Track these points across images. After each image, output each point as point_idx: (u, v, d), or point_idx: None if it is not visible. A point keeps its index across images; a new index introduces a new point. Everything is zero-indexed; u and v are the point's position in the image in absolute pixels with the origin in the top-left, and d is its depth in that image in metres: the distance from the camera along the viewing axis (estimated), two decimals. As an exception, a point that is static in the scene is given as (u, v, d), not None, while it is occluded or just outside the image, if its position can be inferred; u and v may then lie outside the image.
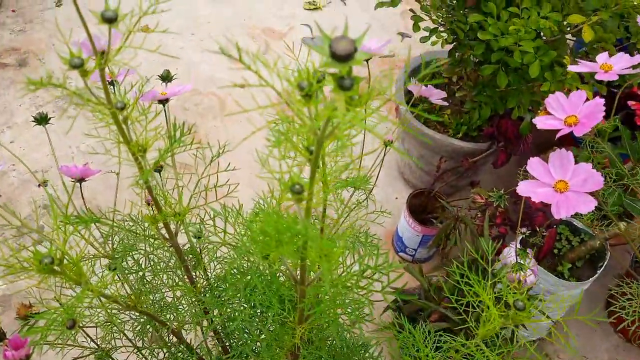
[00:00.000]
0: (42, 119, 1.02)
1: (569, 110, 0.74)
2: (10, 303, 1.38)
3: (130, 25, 0.49)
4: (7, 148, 1.68)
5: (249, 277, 0.57)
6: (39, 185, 1.62)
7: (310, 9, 2.12)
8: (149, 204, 0.99)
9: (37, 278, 0.57)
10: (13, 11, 2.05)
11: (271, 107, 0.47)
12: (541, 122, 0.74)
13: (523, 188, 0.71)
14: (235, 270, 0.63)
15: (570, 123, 0.73)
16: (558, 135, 0.72)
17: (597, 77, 0.74)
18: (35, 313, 0.63)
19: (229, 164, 0.71)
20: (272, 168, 0.50)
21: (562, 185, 0.69)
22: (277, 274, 0.59)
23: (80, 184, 0.93)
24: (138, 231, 0.65)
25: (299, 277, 0.59)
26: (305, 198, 0.45)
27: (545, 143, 1.47)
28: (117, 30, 0.47)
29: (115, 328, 0.71)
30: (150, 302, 0.70)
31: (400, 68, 1.92)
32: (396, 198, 1.63)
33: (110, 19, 0.45)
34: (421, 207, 1.40)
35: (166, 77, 0.90)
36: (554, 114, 0.74)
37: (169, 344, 0.77)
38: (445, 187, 1.43)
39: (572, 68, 0.77)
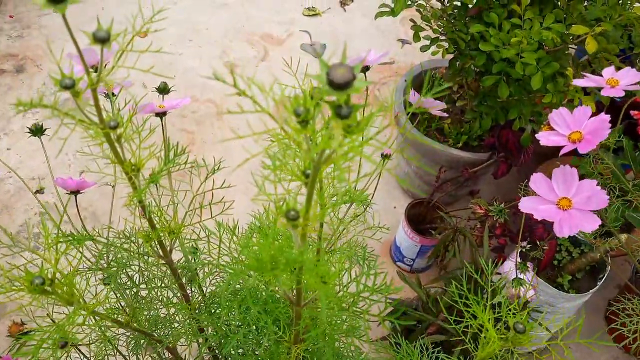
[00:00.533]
0: (37, 130, 1.01)
1: (573, 126, 0.72)
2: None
3: (123, 44, 0.48)
4: (0, 158, 1.67)
5: (242, 297, 0.56)
6: (35, 193, 1.60)
7: (310, 15, 2.11)
8: (145, 217, 0.98)
9: (28, 298, 0.56)
10: (11, 17, 2.04)
11: (266, 132, 0.46)
12: (544, 138, 0.73)
13: (525, 204, 0.69)
14: (229, 294, 0.62)
15: (574, 139, 0.71)
16: (562, 153, 0.71)
17: (603, 92, 0.73)
18: (27, 332, 0.62)
19: (224, 181, 0.70)
20: (268, 190, 0.49)
21: (566, 203, 0.68)
22: (273, 294, 0.58)
23: (76, 196, 0.92)
24: (132, 249, 0.64)
25: (294, 297, 0.58)
26: (301, 224, 0.44)
27: (546, 153, 1.46)
28: (109, 50, 0.45)
29: (109, 345, 0.70)
30: (145, 318, 0.68)
31: (400, 75, 1.92)
32: (394, 207, 1.62)
33: (102, 39, 0.44)
34: (420, 216, 1.39)
35: (163, 90, 0.89)
36: (557, 130, 0.73)
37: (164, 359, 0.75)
38: (444, 196, 1.42)
39: (577, 82, 0.76)
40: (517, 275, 0.94)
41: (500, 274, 1.18)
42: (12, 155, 1.68)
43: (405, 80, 1.49)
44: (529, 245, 1.10)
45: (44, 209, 0.55)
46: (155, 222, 0.63)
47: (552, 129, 0.75)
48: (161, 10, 0.50)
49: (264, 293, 0.56)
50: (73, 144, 1.70)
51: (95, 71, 0.79)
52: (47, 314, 0.63)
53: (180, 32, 2.02)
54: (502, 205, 1.05)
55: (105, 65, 0.48)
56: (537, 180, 0.70)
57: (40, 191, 1.62)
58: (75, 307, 0.57)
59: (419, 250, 1.36)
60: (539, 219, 0.67)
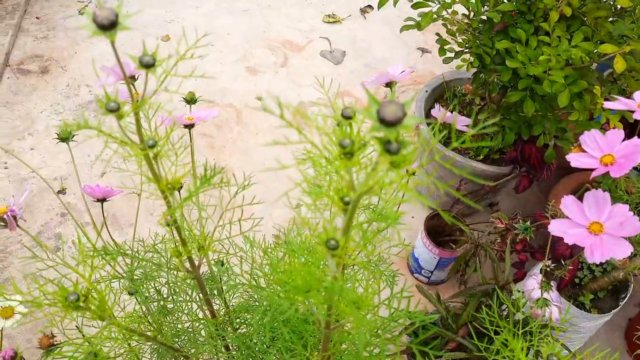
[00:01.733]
0: (65, 137, 1.02)
1: (605, 149, 0.72)
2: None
3: (167, 68, 0.49)
4: (24, 158, 1.69)
5: (273, 318, 0.56)
6: (57, 193, 1.62)
7: (330, 22, 2.11)
8: (168, 225, 0.98)
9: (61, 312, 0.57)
10: (37, 18, 2.07)
11: (305, 157, 0.46)
12: (575, 159, 0.73)
13: (555, 227, 0.69)
14: (259, 316, 0.62)
15: (606, 162, 0.71)
16: (593, 175, 0.70)
17: (635, 116, 0.72)
18: (57, 344, 0.62)
19: (254, 197, 0.70)
20: (302, 209, 0.49)
21: (597, 227, 0.67)
22: (303, 316, 0.58)
23: (102, 204, 0.93)
24: (161, 262, 0.64)
25: (324, 321, 0.58)
26: (340, 253, 0.44)
27: (567, 167, 1.45)
28: (154, 74, 0.46)
29: (134, 357, 0.70)
30: (170, 331, 0.69)
31: (419, 83, 1.91)
32: (412, 217, 1.61)
33: (148, 65, 0.45)
34: (439, 228, 1.38)
35: (191, 100, 0.90)
36: (589, 152, 0.72)
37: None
38: (463, 208, 1.42)
39: (608, 105, 0.75)
40: (542, 295, 0.93)
41: (519, 290, 1.17)
42: (36, 155, 1.70)
43: (426, 91, 1.48)
44: (553, 265, 1.10)
45: (78, 235, 0.56)
46: (185, 238, 0.64)
47: (583, 150, 0.75)
48: (205, 35, 0.50)
49: (294, 314, 0.57)
50: (95, 147, 1.72)
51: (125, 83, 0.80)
52: (77, 327, 0.64)
53: (202, 38, 2.03)
54: (527, 222, 1.04)
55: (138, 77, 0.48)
56: (568, 203, 0.70)
57: (62, 192, 1.63)
58: (106, 323, 0.58)
59: (437, 263, 1.35)
60: (570, 243, 0.67)
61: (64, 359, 0.55)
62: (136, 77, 0.84)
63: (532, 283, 1.17)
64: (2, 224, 0.68)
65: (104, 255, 0.57)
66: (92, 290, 0.56)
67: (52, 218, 1.59)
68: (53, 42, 2.01)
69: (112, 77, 0.81)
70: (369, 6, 2.16)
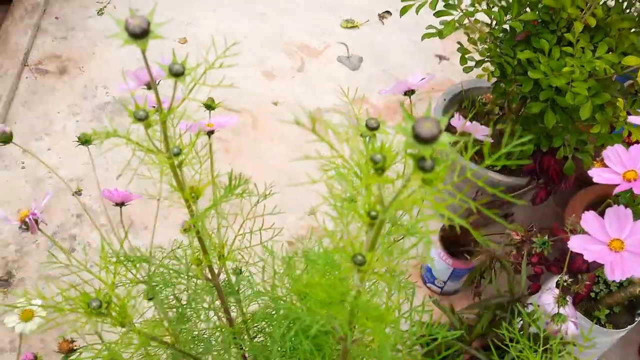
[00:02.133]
0: (85, 140, 1.03)
1: (628, 164, 0.71)
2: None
3: (195, 77, 0.49)
4: (41, 158, 1.71)
5: (294, 330, 0.56)
6: (74, 194, 1.63)
7: (348, 27, 2.11)
8: (186, 230, 0.98)
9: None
10: (56, 18, 2.09)
11: (332, 164, 0.46)
12: (597, 175, 0.72)
13: (575, 243, 0.68)
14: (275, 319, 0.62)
15: (629, 178, 0.70)
16: (616, 191, 0.69)
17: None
18: (76, 348, 0.63)
19: (275, 206, 0.70)
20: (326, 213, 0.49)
21: (618, 245, 0.66)
22: (324, 328, 0.58)
23: (121, 208, 0.93)
24: (181, 270, 0.65)
25: (344, 334, 0.58)
26: (366, 269, 0.44)
27: (586, 179, 1.43)
28: (182, 83, 0.46)
29: (151, 363, 0.70)
30: (187, 338, 0.69)
31: (436, 91, 1.90)
32: (422, 226, 1.60)
33: (177, 73, 0.45)
34: (453, 238, 1.37)
35: (210, 106, 0.90)
36: (611, 167, 0.72)
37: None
38: (478, 218, 1.41)
39: (632, 120, 0.75)
40: (558, 310, 0.92)
41: (532, 304, 1.16)
42: (53, 155, 1.71)
43: (445, 99, 1.48)
44: (570, 279, 1.09)
45: (102, 242, 0.56)
46: (206, 245, 0.64)
47: (605, 165, 0.74)
48: (235, 44, 0.50)
49: (314, 326, 0.56)
50: (112, 149, 1.73)
51: (149, 89, 0.81)
52: (96, 332, 0.64)
53: (219, 41, 2.03)
54: (545, 237, 1.03)
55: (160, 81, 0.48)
56: (588, 219, 0.69)
57: (78, 192, 1.64)
58: (126, 329, 0.58)
59: (451, 274, 1.35)
60: (590, 260, 0.66)
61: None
62: (158, 82, 0.84)
63: (548, 297, 1.15)
64: (24, 227, 0.68)
65: (125, 263, 0.57)
66: (114, 297, 0.56)
67: (67, 219, 1.60)
68: (71, 43, 2.03)
69: (134, 82, 0.81)
70: (387, 12, 2.15)
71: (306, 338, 0.55)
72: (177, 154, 0.55)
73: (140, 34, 0.41)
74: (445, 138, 0.38)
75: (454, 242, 1.37)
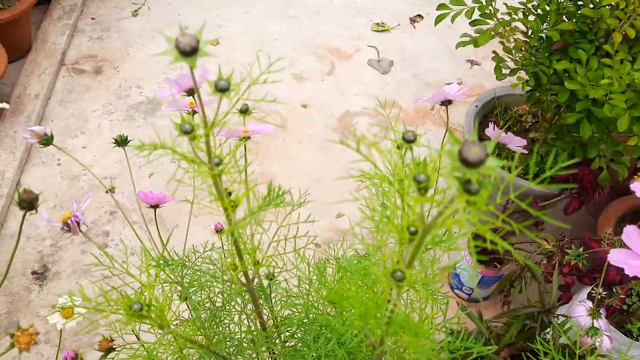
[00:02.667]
0: (122, 141, 1.05)
1: (670, 178, 0.70)
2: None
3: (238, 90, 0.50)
4: (76, 156, 1.75)
5: (328, 339, 0.57)
6: (107, 192, 1.67)
7: (379, 31, 2.11)
8: (217, 231, 1.00)
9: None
10: (93, 19, 2.13)
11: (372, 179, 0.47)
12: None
13: (615, 257, 0.67)
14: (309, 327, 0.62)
15: (671, 193, 0.69)
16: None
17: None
18: (115, 347, 0.64)
19: (310, 214, 0.71)
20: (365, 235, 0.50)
21: (661, 260, 0.65)
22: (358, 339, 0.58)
23: (155, 210, 0.95)
24: (217, 275, 0.66)
25: (377, 343, 0.59)
26: (405, 285, 0.44)
27: (620, 190, 1.41)
28: (229, 99, 0.47)
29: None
30: (222, 342, 0.70)
31: (469, 96, 1.89)
32: (455, 232, 1.60)
33: (222, 89, 0.46)
34: (483, 246, 1.36)
35: (245, 111, 0.92)
36: (653, 181, 0.71)
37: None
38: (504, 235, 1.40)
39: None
40: (592, 323, 0.91)
41: (563, 315, 1.15)
42: (87, 153, 1.75)
43: (477, 105, 1.47)
44: (604, 292, 1.07)
45: (143, 248, 0.58)
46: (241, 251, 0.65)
47: (645, 180, 0.73)
48: (279, 59, 0.51)
49: (349, 338, 0.57)
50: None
51: (188, 95, 0.82)
52: (133, 331, 0.66)
53: (250, 42, 2.05)
54: (579, 249, 1.02)
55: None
56: (630, 234, 0.68)
57: (111, 190, 1.68)
58: (165, 331, 0.60)
59: (479, 281, 1.34)
60: (631, 275, 0.65)
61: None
62: (194, 91, 0.86)
63: (580, 309, 1.14)
64: (67, 228, 0.70)
65: (164, 266, 0.59)
66: (154, 300, 0.57)
67: (100, 216, 1.64)
68: (107, 43, 2.08)
69: (175, 90, 0.83)
70: (419, 15, 2.15)
71: (340, 347, 0.56)
72: (218, 164, 0.56)
73: (189, 52, 0.42)
74: (492, 162, 0.38)
75: (483, 249, 1.36)
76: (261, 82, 0.49)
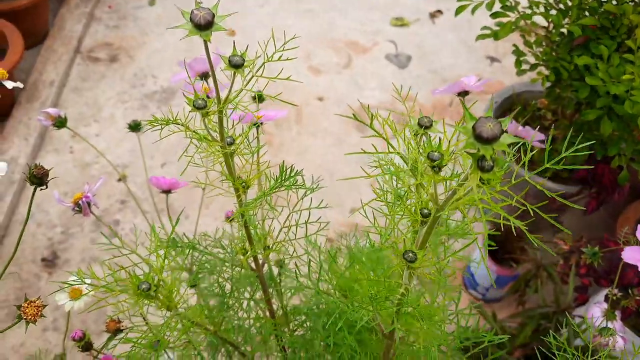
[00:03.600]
0: (135, 126, 1.05)
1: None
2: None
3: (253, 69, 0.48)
4: (88, 142, 1.75)
5: (338, 324, 0.56)
6: (118, 180, 1.67)
7: (397, 25, 2.09)
8: (228, 219, 0.99)
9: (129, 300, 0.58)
10: (109, 7, 2.14)
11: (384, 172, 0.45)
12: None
13: (629, 255, 0.65)
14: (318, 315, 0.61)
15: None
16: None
17: None
18: (123, 329, 0.64)
19: (322, 201, 0.70)
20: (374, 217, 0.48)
21: (676, 258, 0.63)
22: (368, 325, 0.57)
23: (167, 195, 0.95)
24: (226, 258, 0.65)
25: (387, 331, 0.57)
26: (416, 266, 0.43)
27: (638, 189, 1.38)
28: (242, 76, 0.46)
29: (194, 350, 0.71)
30: (230, 328, 0.69)
31: (486, 93, 1.86)
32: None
33: (236, 65, 0.45)
34: (499, 245, 1.34)
35: (259, 98, 0.91)
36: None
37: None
38: (525, 225, 1.37)
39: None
40: (606, 324, 0.89)
41: (579, 316, 1.12)
42: (100, 141, 1.75)
43: (496, 101, 1.45)
44: (620, 294, 1.04)
45: (152, 226, 0.57)
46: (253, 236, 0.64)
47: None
48: (294, 38, 0.50)
49: (358, 322, 0.56)
50: (156, 136, 1.76)
51: (202, 78, 0.81)
52: (141, 314, 0.65)
53: (266, 35, 2.04)
54: (595, 247, 1.00)
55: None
56: (645, 231, 0.66)
57: (122, 179, 1.68)
58: (173, 313, 0.59)
59: (494, 280, 1.32)
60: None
61: (130, 344, 0.56)
62: (209, 74, 0.84)
63: (596, 311, 1.11)
64: (77, 209, 0.70)
65: (173, 248, 0.58)
66: (162, 281, 0.56)
67: (111, 204, 1.64)
68: (123, 32, 2.08)
69: (190, 73, 0.82)
70: (439, 11, 2.12)
71: (349, 334, 0.54)
72: (231, 144, 0.55)
73: (204, 26, 0.41)
74: (506, 139, 0.37)
75: (500, 247, 1.34)
76: (276, 59, 0.48)
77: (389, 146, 0.41)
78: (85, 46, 2.03)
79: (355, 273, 0.51)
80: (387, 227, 0.48)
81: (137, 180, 1.68)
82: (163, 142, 1.81)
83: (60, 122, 0.87)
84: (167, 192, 0.92)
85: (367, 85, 1.91)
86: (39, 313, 0.45)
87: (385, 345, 0.56)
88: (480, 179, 0.38)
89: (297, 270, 0.52)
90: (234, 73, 0.46)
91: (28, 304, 0.45)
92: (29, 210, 0.59)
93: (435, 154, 0.39)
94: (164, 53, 2.01)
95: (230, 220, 0.97)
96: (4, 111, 1.75)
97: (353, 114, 0.41)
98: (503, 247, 1.33)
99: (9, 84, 0.74)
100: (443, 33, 2.07)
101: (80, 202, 0.69)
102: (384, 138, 0.42)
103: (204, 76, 0.79)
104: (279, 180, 0.52)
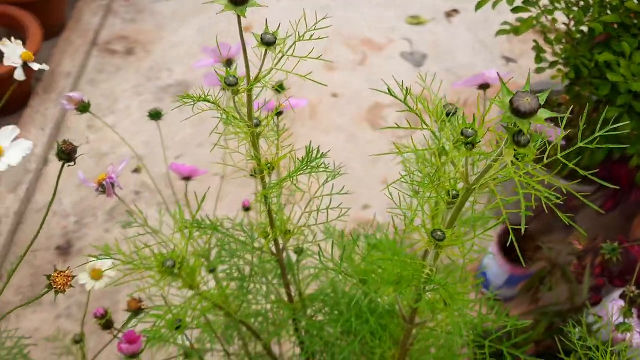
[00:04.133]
0: (155, 115, 1.05)
1: None
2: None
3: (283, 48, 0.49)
4: (105, 135, 1.76)
5: (358, 308, 0.56)
6: (133, 172, 1.68)
7: (413, 23, 2.09)
8: (245, 208, 0.99)
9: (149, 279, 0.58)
10: (126, 1, 2.15)
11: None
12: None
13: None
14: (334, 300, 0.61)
15: None
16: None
17: None
18: (144, 308, 0.64)
19: (343, 187, 0.70)
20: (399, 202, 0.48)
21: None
22: (390, 308, 0.57)
23: (186, 182, 0.95)
24: (247, 241, 0.65)
25: (407, 315, 0.57)
26: (445, 245, 0.43)
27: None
28: (273, 53, 0.46)
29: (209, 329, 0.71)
30: (248, 313, 0.69)
31: (499, 94, 1.86)
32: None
33: (268, 43, 0.45)
34: (512, 244, 1.34)
35: (280, 87, 0.92)
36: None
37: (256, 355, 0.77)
38: (538, 225, 1.37)
39: None
40: (623, 320, 0.88)
41: (596, 314, 1.12)
42: (115, 133, 1.76)
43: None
44: (637, 291, 1.04)
45: (177, 205, 0.57)
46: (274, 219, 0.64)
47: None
48: (325, 18, 0.50)
49: (379, 306, 0.56)
50: (171, 128, 1.77)
51: (224, 65, 0.81)
52: (162, 294, 0.65)
53: (282, 30, 2.05)
54: (614, 243, 0.99)
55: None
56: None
57: (137, 170, 1.69)
58: (194, 292, 0.59)
59: (507, 279, 1.31)
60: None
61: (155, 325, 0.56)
62: (233, 60, 0.85)
63: (611, 308, 1.11)
64: (101, 189, 0.70)
65: (197, 228, 0.58)
66: (185, 259, 0.57)
67: (126, 194, 1.65)
68: (140, 25, 2.09)
69: (212, 58, 0.82)
70: (455, 10, 2.12)
71: (372, 315, 0.54)
72: (257, 125, 0.55)
73: (240, 1, 0.42)
74: (543, 113, 0.37)
75: (512, 247, 1.33)
76: (307, 39, 0.48)
77: (422, 122, 0.41)
78: (101, 39, 2.04)
79: (376, 257, 0.51)
80: (413, 206, 0.48)
81: (152, 172, 1.69)
82: (178, 134, 1.82)
83: (83, 107, 0.87)
84: (187, 178, 0.93)
85: (382, 83, 1.91)
86: (68, 283, 0.46)
87: (405, 330, 0.56)
88: (515, 156, 0.38)
89: (320, 252, 0.53)
90: (265, 51, 0.47)
91: (58, 274, 0.45)
92: (56, 188, 0.60)
93: (469, 130, 0.39)
94: (180, 47, 2.03)
95: (247, 210, 0.98)
96: (21, 101, 1.77)
97: (388, 88, 0.41)
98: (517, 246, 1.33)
99: (35, 65, 0.75)
100: (459, 32, 2.07)
101: (104, 182, 0.69)
102: (416, 114, 0.42)
103: (227, 63, 0.79)
104: (306, 161, 0.52)
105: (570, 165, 0.39)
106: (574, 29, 1.11)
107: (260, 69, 0.48)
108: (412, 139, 0.48)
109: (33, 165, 1.64)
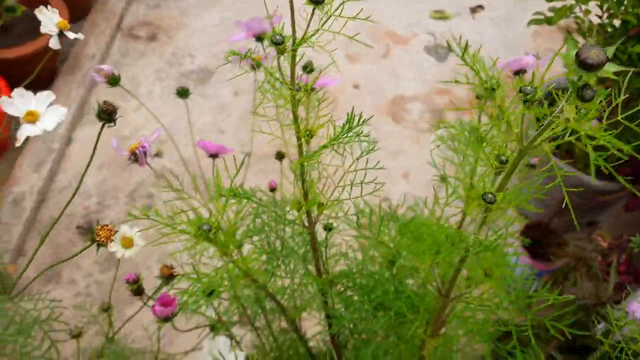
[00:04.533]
0: (183, 92, 1.06)
1: None
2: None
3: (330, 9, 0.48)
4: (127, 119, 1.77)
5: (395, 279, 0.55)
6: (154, 156, 1.68)
7: (437, 18, 2.08)
8: (271, 189, 0.99)
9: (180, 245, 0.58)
10: (152, -13, 2.16)
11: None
12: None
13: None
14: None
15: None
16: None
17: None
18: (176, 275, 0.64)
19: (378, 162, 0.69)
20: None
21: None
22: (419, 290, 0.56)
23: (214, 160, 0.95)
24: (281, 213, 0.65)
25: (443, 288, 0.57)
26: (495, 208, 0.42)
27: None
28: (321, 12, 0.46)
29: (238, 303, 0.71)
30: (277, 289, 0.69)
31: (523, 91, 1.84)
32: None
33: (317, 1, 0.45)
34: (534, 240, 1.32)
35: (308, 67, 0.92)
36: None
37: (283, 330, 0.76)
38: (562, 222, 1.35)
39: None
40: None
41: (620, 310, 1.10)
42: (139, 116, 1.77)
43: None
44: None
45: (217, 173, 0.57)
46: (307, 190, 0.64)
47: None
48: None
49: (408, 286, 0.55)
50: (196, 112, 1.78)
51: (258, 40, 0.81)
52: (192, 264, 0.65)
53: (303, 19, 2.05)
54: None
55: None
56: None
57: (158, 154, 1.69)
58: (228, 259, 0.59)
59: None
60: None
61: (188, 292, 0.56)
62: (263, 36, 0.84)
63: (636, 305, 1.09)
64: (133, 158, 0.71)
65: (234, 195, 0.58)
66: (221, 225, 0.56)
67: (145, 178, 1.66)
68: (164, 11, 2.10)
69: (246, 33, 0.82)
70: (480, 6, 2.10)
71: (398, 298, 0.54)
72: (298, 90, 0.55)
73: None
74: (611, 67, 0.36)
75: (536, 242, 1.32)
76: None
77: (480, 78, 0.40)
78: (126, 24, 2.05)
79: (420, 221, 0.51)
80: (459, 176, 0.48)
81: (173, 157, 1.70)
82: (199, 120, 1.82)
83: (114, 79, 0.87)
84: (215, 156, 0.93)
85: (405, 76, 1.90)
86: (111, 236, 0.46)
87: (441, 303, 0.55)
88: (577, 113, 0.37)
89: (357, 220, 0.52)
90: (313, 10, 0.46)
91: (101, 228, 0.45)
92: (94, 151, 0.60)
93: (528, 87, 0.38)
94: (202, 34, 2.03)
95: (273, 191, 0.97)
96: (47, 81, 1.78)
97: (448, 41, 0.40)
98: (539, 242, 1.32)
99: (71, 34, 0.75)
100: (483, 28, 2.05)
101: (137, 151, 0.70)
102: (473, 69, 0.41)
103: (259, 38, 0.79)
104: (347, 127, 0.51)
105: (632, 126, 0.38)
106: (607, 21, 1.10)
107: (306, 29, 0.48)
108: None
109: (56, 145, 1.65)
